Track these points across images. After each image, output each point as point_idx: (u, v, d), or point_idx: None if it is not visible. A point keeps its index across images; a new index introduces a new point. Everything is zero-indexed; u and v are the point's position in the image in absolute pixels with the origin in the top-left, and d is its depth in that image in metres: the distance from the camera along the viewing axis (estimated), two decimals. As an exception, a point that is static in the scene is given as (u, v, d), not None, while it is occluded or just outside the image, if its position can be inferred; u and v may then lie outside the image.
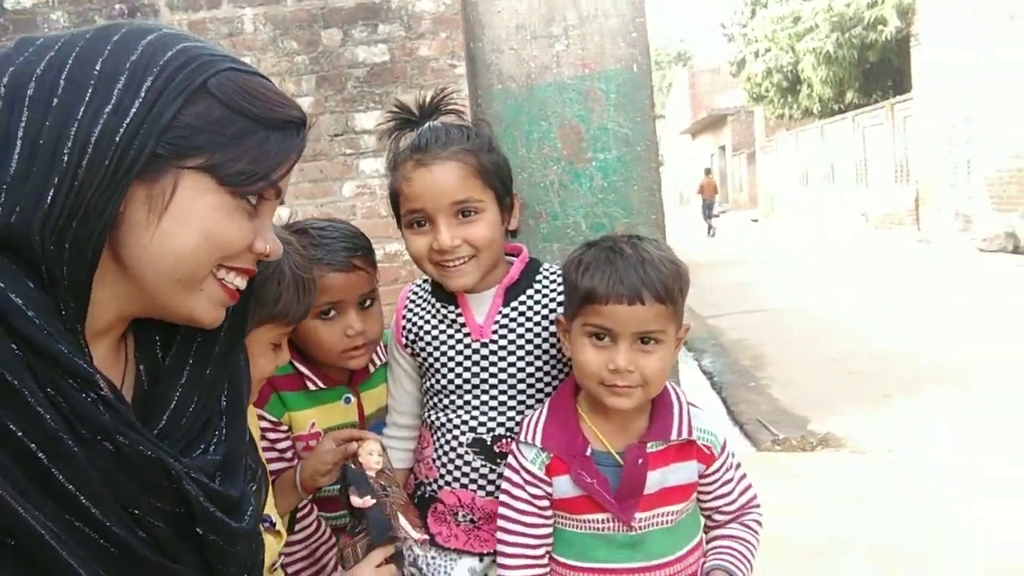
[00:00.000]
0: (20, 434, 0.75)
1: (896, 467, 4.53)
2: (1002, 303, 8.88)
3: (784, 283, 11.94)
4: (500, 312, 1.60)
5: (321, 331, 1.62)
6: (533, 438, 1.48)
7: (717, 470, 1.51)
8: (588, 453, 1.45)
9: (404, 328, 1.69)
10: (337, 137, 4.51)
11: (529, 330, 1.59)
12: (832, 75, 20.96)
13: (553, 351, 1.60)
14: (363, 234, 1.72)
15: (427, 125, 1.58)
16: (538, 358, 1.59)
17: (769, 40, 23.14)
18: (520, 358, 1.59)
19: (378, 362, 1.78)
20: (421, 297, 1.70)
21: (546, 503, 1.48)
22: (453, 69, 4.40)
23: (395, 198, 1.57)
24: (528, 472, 1.48)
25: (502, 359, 1.59)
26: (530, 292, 1.61)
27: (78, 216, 0.79)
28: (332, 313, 1.62)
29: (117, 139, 0.80)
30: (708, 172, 27.99)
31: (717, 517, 1.56)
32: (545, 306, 1.60)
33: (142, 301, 0.89)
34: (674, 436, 1.46)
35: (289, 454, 1.68)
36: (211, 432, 0.97)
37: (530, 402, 1.59)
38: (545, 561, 1.51)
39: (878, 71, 21.03)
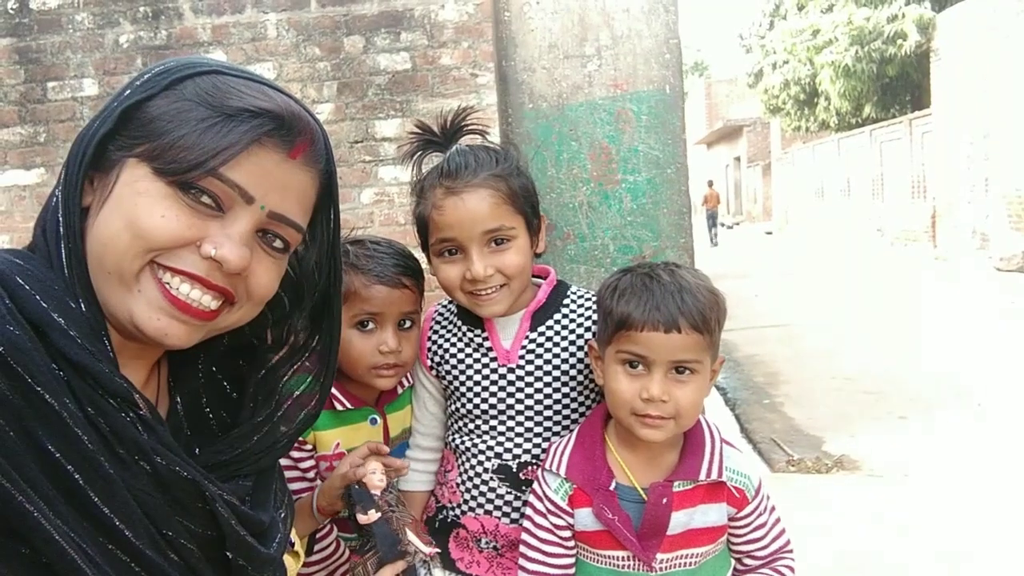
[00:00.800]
0: (58, 455, 0.74)
1: (913, 491, 4.47)
2: (1019, 324, 8.79)
3: (799, 298, 11.87)
4: (527, 337, 1.57)
5: (356, 342, 1.59)
6: (558, 467, 1.45)
7: (749, 514, 1.45)
8: (612, 487, 1.41)
9: (429, 350, 1.67)
10: (357, 144, 4.49)
11: (556, 355, 1.56)
12: (850, 88, 20.87)
13: (580, 377, 1.57)
14: (417, 260, 1.69)
15: (455, 149, 1.54)
16: (565, 384, 1.56)
17: (787, 52, 23.07)
18: (547, 384, 1.56)
19: (406, 384, 1.76)
20: (447, 319, 1.67)
21: (568, 534, 1.45)
22: (475, 79, 4.38)
23: (423, 225, 1.53)
24: (551, 501, 1.45)
25: (529, 384, 1.56)
26: (557, 316, 1.59)
27: (63, 214, 0.83)
28: (370, 326, 1.60)
29: (85, 136, 0.85)
30: (711, 184, 28.06)
31: (748, 561, 1.51)
32: (573, 331, 1.57)
33: (105, 307, 0.85)
34: (703, 476, 1.41)
35: (312, 474, 1.65)
36: (242, 464, 0.96)
37: (556, 428, 1.56)
38: None
39: (897, 86, 20.94)
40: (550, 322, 1.58)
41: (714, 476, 1.41)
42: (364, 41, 4.44)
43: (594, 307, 1.58)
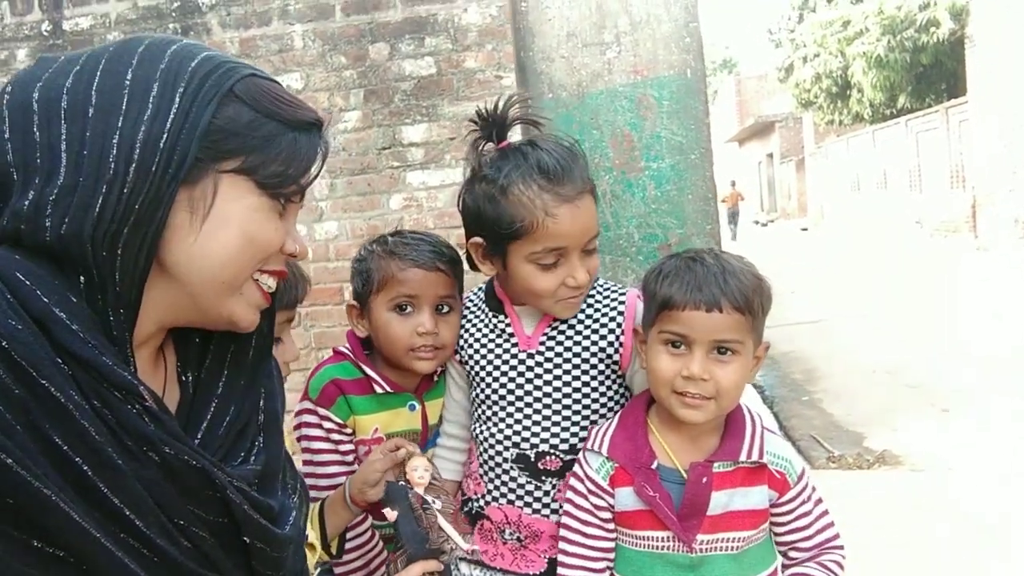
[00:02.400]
0: (65, 447, 0.75)
1: (958, 485, 4.37)
2: (1067, 312, 8.57)
3: (836, 293, 11.69)
4: (550, 324, 1.57)
5: (394, 324, 1.64)
6: (600, 447, 1.46)
7: (792, 499, 1.44)
8: (654, 466, 1.42)
9: (458, 336, 1.69)
10: (385, 150, 4.52)
11: (578, 343, 1.56)
12: (883, 79, 20.52)
13: (602, 366, 1.56)
14: (455, 249, 1.73)
15: (546, 147, 1.49)
16: (585, 372, 1.56)
17: (818, 45, 22.76)
18: (567, 371, 1.56)
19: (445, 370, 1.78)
20: (476, 305, 1.68)
21: (608, 515, 1.45)
22: (500, 80, 4.38)
23: (516, 229, 1.44)
24: (592, 481, 1.46)
25: (548, 371, 1.56)
26: (582, 306, 1.58)
27: (129, 222, 0.81)
28: (408, 309, 1.64)
29: (161, 144, 0.82)
30: (734, 184, 27.98)
31: (793, 554, 1.48)
32: (597, 320, 1.57)
33: (182, 308, 0.90)
34: (743, 457, 1.41)
35: (351, 458, 1.69)
36: (248, 441, 0.96)
37: (576, 418, 1.56)
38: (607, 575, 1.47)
39: (931, 74, 20.54)
40: None
41: (755, 457, 1.41)
42: (389, 48, 4.48)
43: (620, 297, 1.58)
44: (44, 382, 0.74)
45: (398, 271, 1.63)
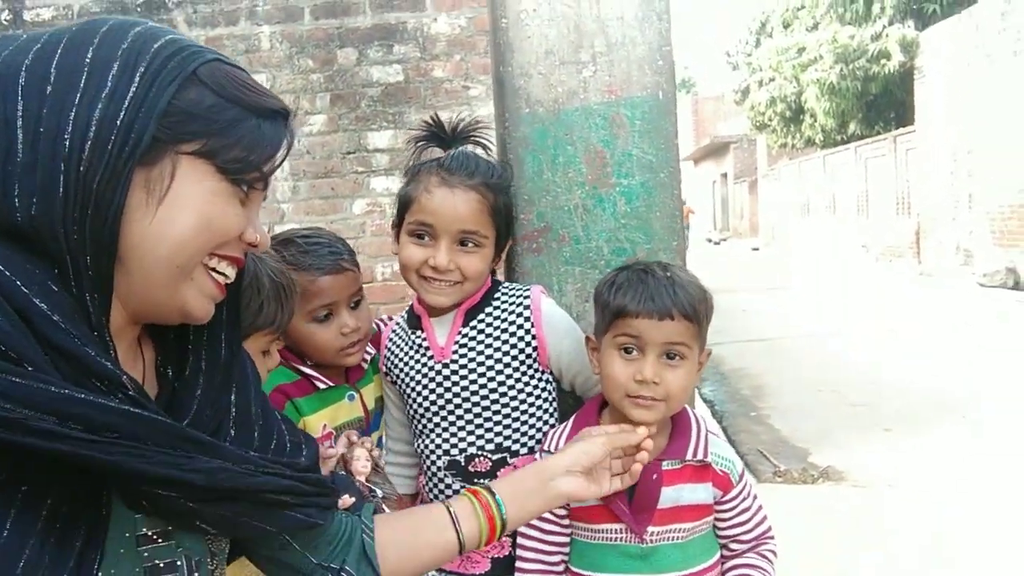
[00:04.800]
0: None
1: (898, 502, 4.52)
2: (1002, 339, 8.89)
3: (785, 312, 11.96)
4: (460, 332, 1.64)
5: (318, 334, 1.70)
6: (555, 448, 1.53)
7: (734, 498, 1.55)
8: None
9: (386, 358, 1.76)
10: (349, 155, 4.53)
11: (489, 346, 1.62)
12: (835, 106, 21.08)
13: (516, 363, 1.62)
14: (342, 238, 1.80)
15: (460, 148, 1.63)
16: (500, 372, 1.61)
17: (773, 70, 23.29)
18: (481, 375, 1.62)
19: (368, 357, 1.84)
20: (400, 327, 1.76)
21: (563, 512, 1.53)
22: (467, 91, 4.43)
23: (405, 203, 1.60)
24: None
25: (463, 378, 1.62)
26: (488, 310, 1.64)
27: (91, 203, 0.80)
28: (327, 315, 1.69)
29: (118, 122, 0.81)
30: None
31: (734, 546, 1.58)
32: (504, 320, 1.63)
33: (137, 298, 0.88)
34: (689, 456, 1.50)
35: None
36: (222, 437, 0.97)
37: (497, 418, 1.62)
38: (561, 568, 1.55)
39: (881, 103, 21.17)
40: (481, 315, 1.64)
41: (700, 456, 1.51)
42: (357, 53, 4.49)
43: (524, 294, 1.65)
44: (30, 369, 0.75)
45: (309, 284, 1.65)
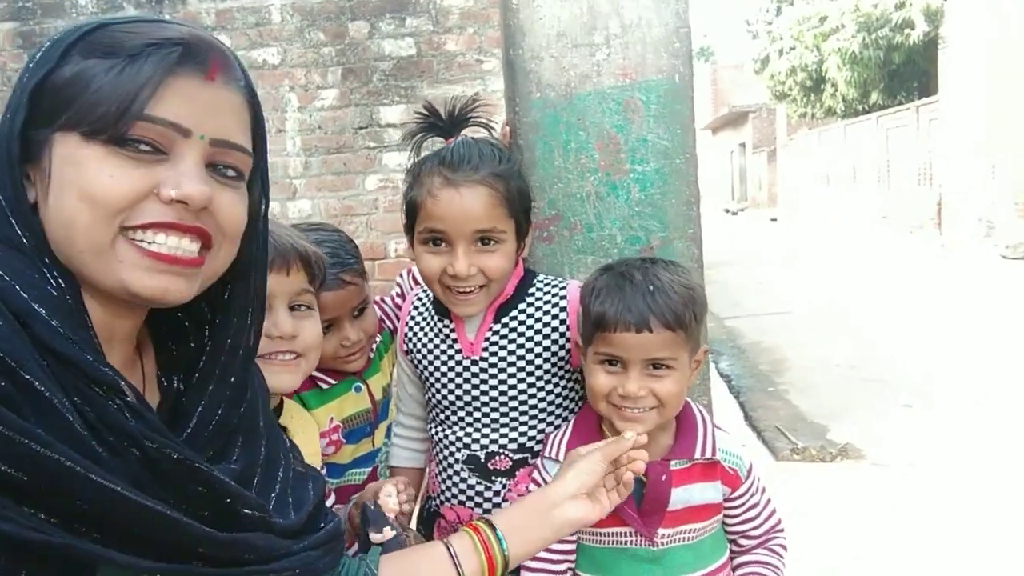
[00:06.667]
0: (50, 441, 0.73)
1: (918, 481, 4.47)
2: (1025, 313, 8.77)
3: (803, 285, 11.84)
4: (491, 328, 1.57)
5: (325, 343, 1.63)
6: (557, 454, 1.48)
7: (743, 494, 1.50)
8: None
9: (406, 336, 1.69)
10: (361, 130, 4.48)
11: (521, 346, 1.56)
12: (857, 76, 20.73)
13: (548, 365, 1.57)
14: (350, 240, 1.70)
15: (460, 140, 1.53)
16: (530, 374, 1.56)
17: (794, 38, 22.91)
18: (511, 375, 1.56)
19: (373, 345, 1.79)
20: (424, 306, 1.68)
21: None
22: (480, 65, 4.36)
23: (413, 209, 1.51)
24: None
25: (493, 376, 1.57)
26: (522, 306, 1.58)
27: (17, 215, 0.81)
28: (328, 326, 1.61)
29: (3, 130, 0.81)
30: None
31: (743, 542, 1.55)
32: (539, 320, 1.57)
33: (88, 284, 0.84)
34: (697, 455, 1.46)
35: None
36: (232, 449, 0.95)
37: (523, 419, 1.57)
38: None
39: (904, 73, 20.79)
40: (514, 312, 1.57)
41: (708, 455, 1.46)
42: (369, 26, 4.42)
43: (561, 293, 1.59)
44: (28, 376, 0.73)
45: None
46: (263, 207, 0.98)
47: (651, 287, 1.36)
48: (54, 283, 0.80)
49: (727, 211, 34.70)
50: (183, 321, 0.96)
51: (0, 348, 0.72)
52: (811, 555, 3.56)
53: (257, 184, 0.95)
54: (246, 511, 0.89)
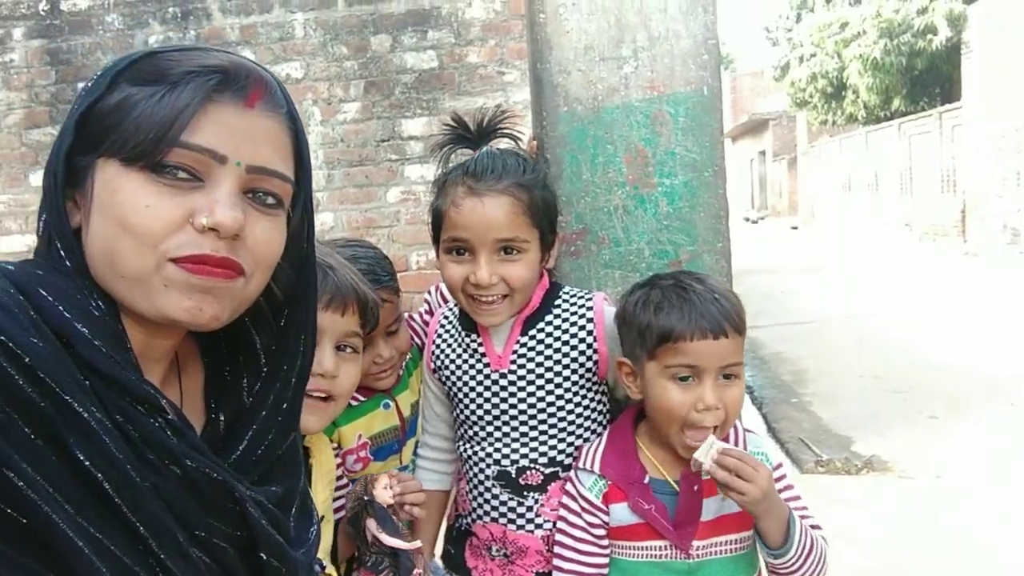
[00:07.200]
0: (87, 463, 0.74)
1: (947, 493, 4.40)
2: (1054, 321, 8.64)
3: (825, 294, 11.74)
4: (518, 341, 1.57)
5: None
6: (592, 465, 1.48)
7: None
8: (646, 481, 1.45)
9: (433, 354, 1.69)
10: (383, 143, 4.50)
11: (548, 357, 1.55)
12: (879, 82, 20.62)
13: (576, 376, 1.56)
14: (384, 257, 1.69)
15: (484, 150, 1.54)
16: (559, 386, 1.55)
17: (815, 45, 22.83)
18: (540, 387, 1.55)
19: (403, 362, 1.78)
20: (451, 322, 1.68)
21: (602, 532, 1.47)
22: (502, 76, 4.36)
23: (438, 218, 1.53)
24: (585, 500, 1.48)
25: (521, 389, 1.56)
26: (549, 318, 1.57)
27: (61, 239, 0.83)
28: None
29: (52, 155, 0.84)
30: None
31: None
32: (566, 331, 1.56)
33: (128, 310, 0.83)
34: None
35: (340, 471, 1.66)
36: (276, 474, 0.96)
37: (552, 431, 1.56)
38: None
39: (926, 79, 20.65)
40: (541, 325, 1.57)
41: None
42: (391, 40, 4.44)
43: (587, 304, 1.57)
44: (68, 397, 0.73)
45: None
46: (306, 232, 0.97)
47: (715, 295, 1.37)
48: (95, 304, 0.81)
49: (747, 220, 34.52)
50: (238, 346, 0.97)
51: (41, 369, 0.72)
52: (838, 571, 3.51)
53: (299, 210, 0.94)
54: (273, 533, 0.90)
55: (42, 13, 4.57)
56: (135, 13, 4.51)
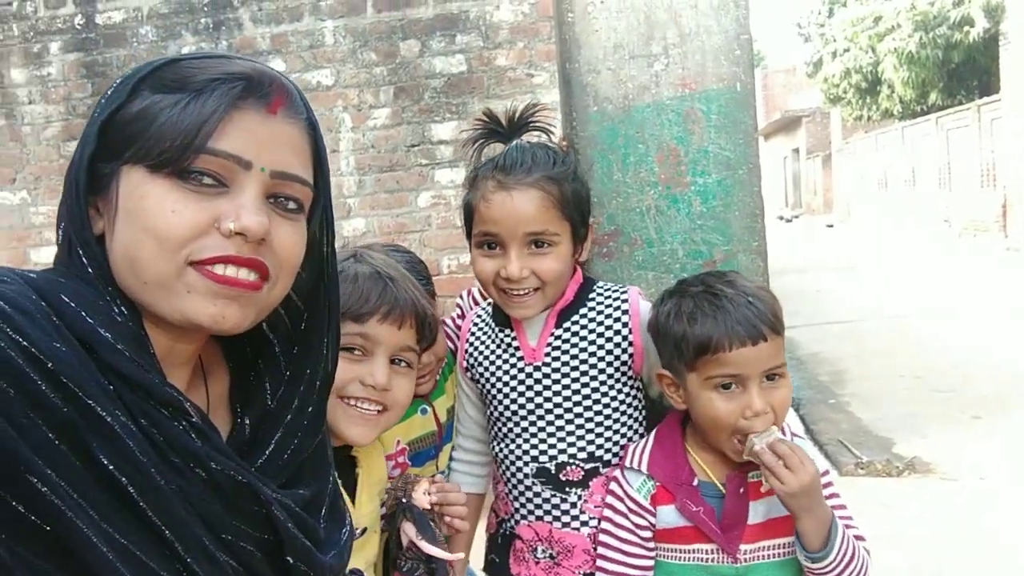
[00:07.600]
0: (111, 467, 0.74)
1: (990, 495, 4.30)
2: (1101, 318, 8.41)
3: (863, 292, 11.55)
4: (552, 334, 1.56)
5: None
6: (639, 464, 1.46)
7: None
8: (695, 484, 1.44)
9: (467, 353, 1.68)
10: (414, 148, 4.51)
11: (583, 350, 1.54)
12: (914, 76, 20.28)
13: (611, 370, 1.54)
14: (420, 262, 1.70)
15: (514, 144, 1.54)
16: (594, 379, 1.54)
17: (848, 40, 22.52)
18: (575, 379, 1.54)
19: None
20: (484, 321, 1.67)
21: (648, 534, 1.46)
22: (531, 79, 4.35)
23: (469, 213, 1.54)
24: (632, 500, 1.46)
25: (556, 382, 1.55)
26: (583, 311, 1.56)
27: (82, 240, 0.83)
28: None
29: (74, 161, 0.84)
30: None
31: None
32: (600, 323, 1.55)
33: (150, 314, 0.84)
34: None
35: None
36: (304, 477, 0.96)
37: (589, 426, 1.54)
38: None
39: (964, 72, 20.27)
40: (575, 317, 1.56)
41: None
42: (420, 45, 4.45)
43: (622, 297, 1.56)
44: (91, 402, 0.74)
45: None
46: (326, 238, 0.98)
47: (749, 297, 1.34)
48: (117, 310, 0.82)
49: (781, 218, 34.12)
50: (261, 351, 0.97)
51: (64, 374, 0.73)
52: (879, 574, 3.44)
53: (318, 215, 0.95)
54: (300, 536, 0.90)
55: (78, 27, 4.65)
56: (168, 25, 4.57)
